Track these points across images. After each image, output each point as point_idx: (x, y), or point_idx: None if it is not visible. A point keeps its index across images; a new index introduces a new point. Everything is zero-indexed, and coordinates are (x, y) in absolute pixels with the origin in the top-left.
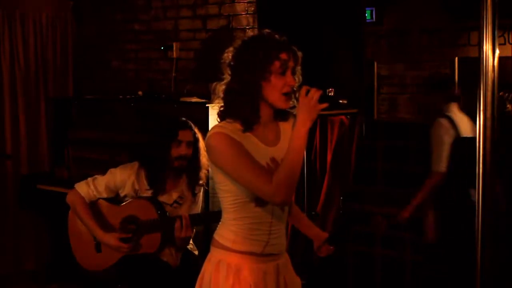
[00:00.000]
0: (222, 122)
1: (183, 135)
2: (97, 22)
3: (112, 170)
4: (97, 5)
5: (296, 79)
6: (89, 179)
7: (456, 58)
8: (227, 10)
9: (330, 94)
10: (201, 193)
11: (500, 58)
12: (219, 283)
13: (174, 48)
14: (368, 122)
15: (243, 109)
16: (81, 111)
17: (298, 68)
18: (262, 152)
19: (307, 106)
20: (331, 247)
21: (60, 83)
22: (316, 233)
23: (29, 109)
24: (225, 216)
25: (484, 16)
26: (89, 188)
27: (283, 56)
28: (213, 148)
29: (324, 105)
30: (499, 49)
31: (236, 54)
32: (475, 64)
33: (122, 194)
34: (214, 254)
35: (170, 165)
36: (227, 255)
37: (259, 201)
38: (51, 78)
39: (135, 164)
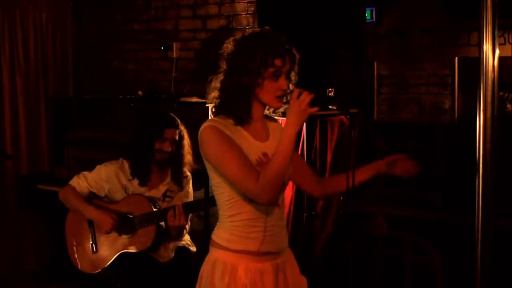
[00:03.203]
0: (216, 117)
1: (169, 133)
2: (97, 22)
3: (98, 166)
4: (97, 5)
5: (292, 78)
6: (80, 174)
7: (456, 58)
8: (227, 10)
9: (330, 94)
10: (190, 185)
11: (500, 58)
12: (214, 282)
13: (174, 48)
14: (368, 122)
15: (236, 107)
16: (81, 111)
17: (295, 68)
18: (254, 146)
19: (298, 109)
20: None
21: (60, 83)
22: (375, 166)
23: (29, 109)
24: (221, 213)
25: (484, 16)
26: (79, 179)
27: (278, 62)
28: (204, 141)
29: (315, 109)
30: (499, 49)
31: (234, 52)
32: (475, 64)
33: (114, 195)
34: (212, 254)
35: (152, 156)
36: (223, 255)
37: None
38: (51, 78)
39: (120, 160)
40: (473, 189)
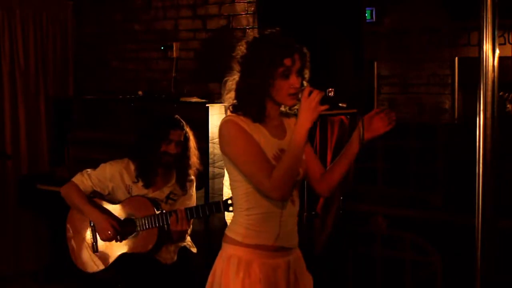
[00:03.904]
0: (235, 113)
1: (174, 135)
2: (97, 22)
3: (102, 164)
4: (97, 5)
5: (306, 76)
6: (83, 171)
7: (456, 58)
8: (227, 10)
9: (330, 94)
10: (193, 188)
11: (500, 58)
12: (229, 278)
13: (174, 48)
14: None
15: (250, 107)
16: (81, 111)
17: (307, 65)
18: (271, 143)
19: (309, 107)
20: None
21: (60, 83)
22: (356, 135)
23: (29, 109)
24: (237, 207)
25: (484, 16)
26: (83, 177)
27: (287, 62)
28: (223, 134)
29: (325, 107)
30: (499, 49)
31: (245, 54)
32: (475, 64)
33: (116, 195)
34: (225, 250)
35: (158, 159)
36: (237, 250)
37: None
38: (51, 78)
39: (125, 160)
40: (473, 189)
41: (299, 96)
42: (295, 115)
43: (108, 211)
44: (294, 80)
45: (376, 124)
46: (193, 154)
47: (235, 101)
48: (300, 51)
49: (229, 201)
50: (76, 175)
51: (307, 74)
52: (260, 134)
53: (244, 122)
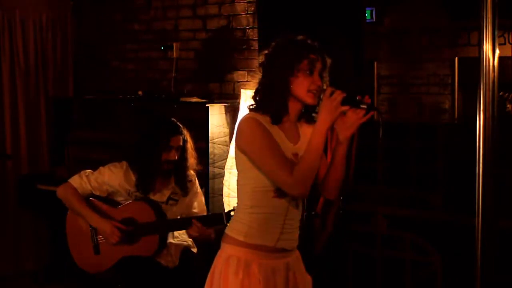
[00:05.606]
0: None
1: (174, 141)
2: (97, 22)
3: (101, 168)
4: (97, 5)
5: (325, 81)
6: (81, 172)
7: (456, 58)
8: (227, 10)
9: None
10: (197, 184)
11: (500, 58)
12: (228, 278)
13: (174, 48)
14: (368, 122)
15: (273, 102)
16: (81, 111)
17: (326, 74)
18: (287, 146)
19: (329, 106)
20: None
21: (60, 83)
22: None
23: (29, 109)
24: (241, 204)
25: (484, 16)
26: (81, 180)
27: (312, 56)
28: (244, 131)
29: (346, 108)
30: (499, 49)
31: (270, 53)
32: (475, 64)
33: (116, 197)
34: (225, 250)
35: (159, 169)
36: (237, 250)
37: (278, 192)
38: (51, 78)
39: (124, 164)
40: (473, 189)
41: (321, 96)
42: (314, 121)
43: (108, 215)
44: (317, 77)
45: (350, 119)
46: (191, 156)
47: (255, 103)
48: (323, 56)
49: (232, 213)
50: (74, 177)
51: (326, 82)
52: (277, 135)
53: (263, 121)
